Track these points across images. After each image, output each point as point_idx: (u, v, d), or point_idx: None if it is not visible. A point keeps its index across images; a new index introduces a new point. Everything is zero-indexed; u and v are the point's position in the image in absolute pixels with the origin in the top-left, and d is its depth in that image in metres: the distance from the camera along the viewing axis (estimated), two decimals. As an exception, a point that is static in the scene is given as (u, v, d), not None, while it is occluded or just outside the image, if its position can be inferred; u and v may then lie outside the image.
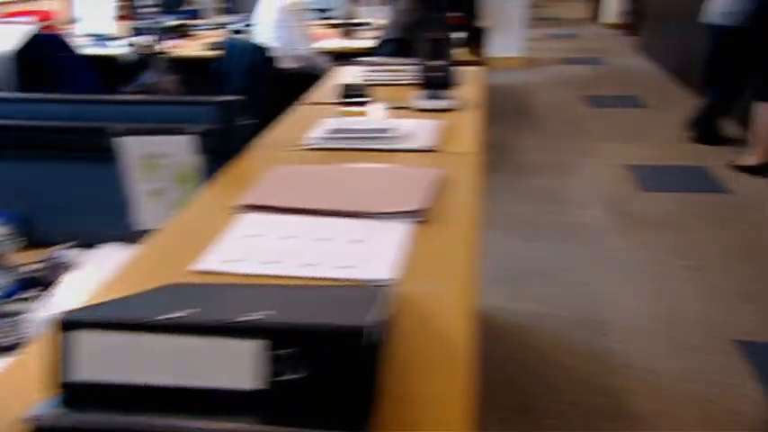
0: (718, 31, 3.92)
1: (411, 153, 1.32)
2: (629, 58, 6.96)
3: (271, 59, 3.49)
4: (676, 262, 2.74)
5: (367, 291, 0.77)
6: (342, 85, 1.73)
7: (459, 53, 3.64)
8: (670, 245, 2.89)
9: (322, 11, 6.18)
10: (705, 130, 4.13)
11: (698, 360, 2.13)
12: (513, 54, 6.56)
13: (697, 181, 3.60)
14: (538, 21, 10.16)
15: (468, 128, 1.51)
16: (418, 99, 1.65)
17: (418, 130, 1.43)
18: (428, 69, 1.60)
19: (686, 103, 4.86)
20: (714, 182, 3.56)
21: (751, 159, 3.61)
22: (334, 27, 4.57)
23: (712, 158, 3.88)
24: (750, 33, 3.79)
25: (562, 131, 4.57)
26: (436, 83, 1.60)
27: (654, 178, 3.64)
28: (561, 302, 2.49)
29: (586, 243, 2.94)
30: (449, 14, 3.54)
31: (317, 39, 4.29)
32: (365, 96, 1.69)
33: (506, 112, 5.06)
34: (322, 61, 3.55)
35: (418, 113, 1.61)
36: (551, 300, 2.52)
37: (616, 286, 2.58)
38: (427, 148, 1.33)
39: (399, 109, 1.65)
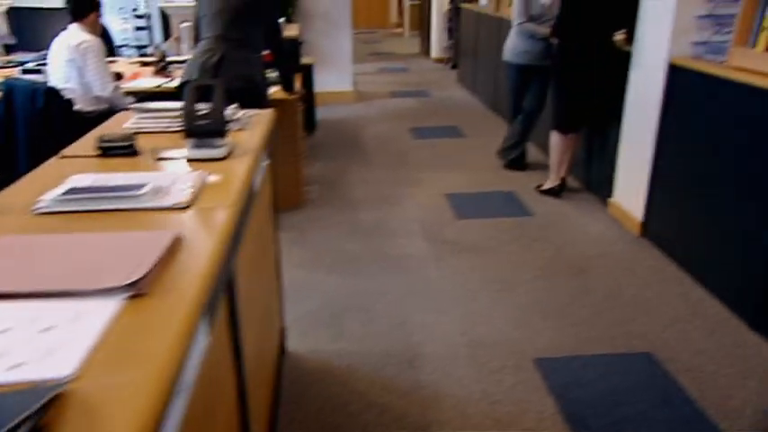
0: (513, 69, 4.29)
1: (160, 212, 1.21)
2: (451, 91, 7.42)
3: (67, 102, 3.20)
4: (488, 286, 2.88)
5: (26, 396, 0.66)
6: (101, 134, 1.58)
7: (273, 91, 3.62)
8: (482, 269, 3.04)
9: (140, 47, 5.88)
10: (513, 158, 4.46)
11: (502, 382, 2.22)
12: (344, 88, 6.69)
13: (507, 206, 3.86)
14: (372, 55, 10.57)
15: (234, 179, 1.43)
16: (188, 148, 1.55)
17: (176, 184, 1.34)
18: (194, 116, 1.51)
19: (500, 132, 5.25)
20: (522, 206, 3.84)
21: (549, 183, 3.95)
22: (150, 65, 4.34)
23: (520, 184, 4.19)
24: (543, 71, 4.20)
25: (388, 163, 4.69)
26: (206, 130, 1.52)
27: (470, 205, 3.85)
28: (381, 338, 2.49)
29: (407, 274, 3.00)
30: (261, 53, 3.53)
31: (132, 78, 4.05)
32: (130, 147, 1.56)
33: (335, 147, 5.11)
34: (126, 103, 3.32)
35: (186, 164, 1.51)
36: (371, 336, 2.51)
37: (432, 315, 2.64)
38: (179, 206, 1.23)
39: (165, 160, 1.54)
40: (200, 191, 1.33)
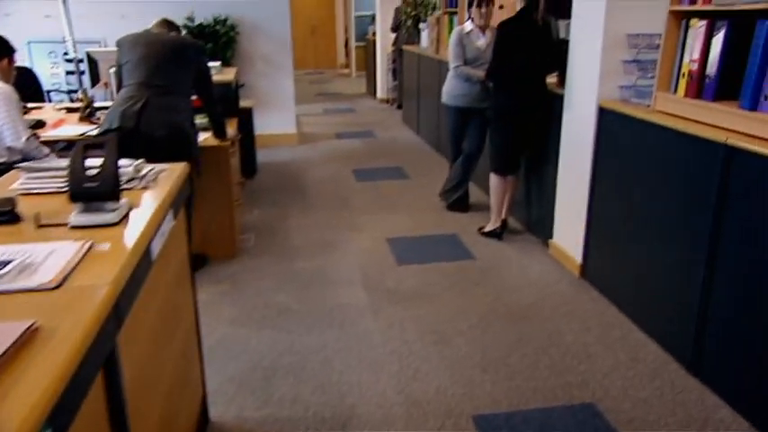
0: (452, 111, 4.31)
1: (22, 295, 1.07)
2: (396, 131, 7.43)
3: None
4: (426, 337, 2.78)
5: None
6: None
7: (203, 139, 3.49)
8: (421, 319, 2.94)
9: (70, 92, 5.67)
10: (455, 199, 4.43)
11: (438, 445, 2.10)
12: (287, 131, 6.61)
13: (449, 249, 3.79)
14: (319, 96, 10.57)
15: (124, 248, 1.30)
16: (74, 213, 1.41)
17: (51, 257, 1.19)
18: (81, 177, 1.37)
19: (443, 172, 5.24)
20: (464, 249, 3.79)
21: (491, 225, 3.92)
22: (76, 111, 4.15)
23: (462, 226, 4.15)
24: (481, 113, 4.22)
25: (330, 207, 4.59)
26: (94, 192, 1.38)
27: (411, 250, 3.77)
28: (312, 401, 2.34)
29: (343, 328, 2.87)
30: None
31: (55, 125, 3.85)
32: (8, 213, 1.40)
33: (275, 191, 4.99)
34: (43, 154, 3.12)
35: (70, 232, 1.37)
36: (302, 400, 2.35)
37: (368, 373, 2.51)
38: (46, 286, 1.09)
39: (49, 227, 1.40)
40: (79, 265, 1.19)
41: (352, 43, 13.21)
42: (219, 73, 4.48)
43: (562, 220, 3.55)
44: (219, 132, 3.47)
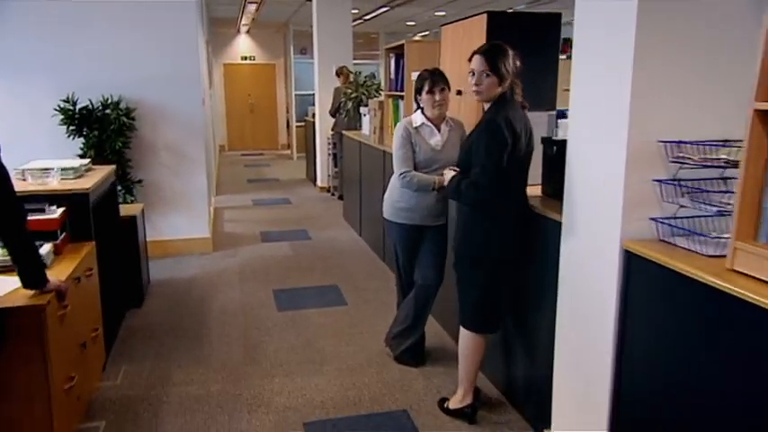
0: (397, 230, 3.19)
1: None
2: (335, 230, 6.28)
3: None
4: None
5: None
6: None
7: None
8: None
9: None
10: (406, 348, 3.23)
11: None
12: (198, 235, 5.35)
13: (398, 441, 2.56)
14: (253, 183, 9.41)
15: None
16: None
17: None
18: None
19: (392, 294, 4.07)
20: (419, 441, 2.56)
21: (458, 400, 2.71)
22: None
23: (417, 394, 2.93)
24: (438, 231, 3.12)
25: (232, 362, 3.31)
26: None
27: (341, 447, 2.51)
28: None
29: None
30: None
31: None
32: None
33: (162, 332, 3.67)
34: None
35: None
36: None
37: None
38: None
39: None
40: None
41: (293, 123, 12.26)
42: (80, 175, 3.25)
43: (566, 398, 2.39)
44: (32, 276, 2.20)
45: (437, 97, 2.95)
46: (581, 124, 2.21)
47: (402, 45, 4.46)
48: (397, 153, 3.04)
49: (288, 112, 13.45)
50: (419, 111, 3.08)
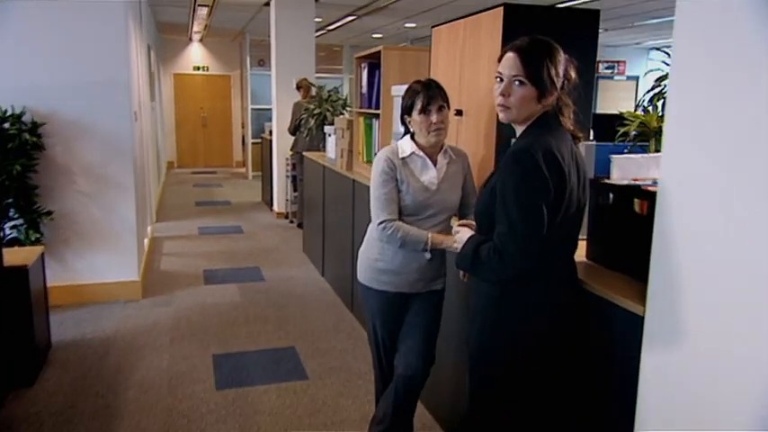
0: (373, 297, 2.34)
1: None
2: (294, 267, 5.37)
3: None
4: None
5: None
6: None
7: None
8: None
9: None
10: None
11: None
12: (124, 278, 4.38)
13: None
14: (201, 206, 8.41)
15: None
16: None
17: None
18: None
19: (364, 359, 3.22)
20: None
21: None
22: None
23: None
24: (429, 300, 2.30)
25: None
26: None
27: None
28: None
29: None
30: None
31: None
32: None
33: (58, 421, 2.70)
34: None
35: None
36: None
37: None
38: None
39: None
40: None
41: (249, 139, 11.31)
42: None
43: None
44: None
45: (434, 118, 2.14)
46: (705, 172, 1.41)
47: (378, 53, 3.66)
48: (376, 193, 2.20)
49: (243, 127, 12.49)
50: (407, 136, 2.26)
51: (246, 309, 4.30)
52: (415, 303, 2.30)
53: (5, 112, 3.82)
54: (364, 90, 4.06)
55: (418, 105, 2.13)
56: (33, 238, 3.89)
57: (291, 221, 7.31)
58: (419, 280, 2.26)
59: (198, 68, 12.78)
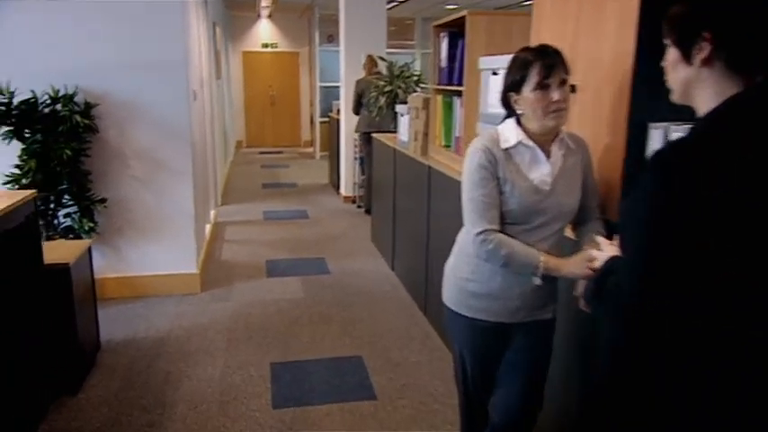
0: (464, 325, 1.85)
1: None
2: (361, 259, 4.96)
3: None
4: None
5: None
6: None
7: None
8: None
9: None
10: None
11: None
12: (182, 270, 4.09)
13: None
14: (267, 189, 8.14)
15: None
16: None
17: None
18: None
19: (439, 380, 2.76)
20: None
21: None
22: None
23: None
24: (536, 331, 1.79)
25: None
26: None
27: None
28: None
29: None
30: None
31: None
32: None
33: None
34: None
35: None
36: None
37: None
38: None
39: None
40: None
41: (317, 118, 10.97)
42: None
43: None
44: None
45: (554, 95, 1.61)
46: None
47: (461, 19, 3.12)
48: (470, 195, 1.70)
49: (311, 105, 12.18)
50: (511, 121, 1.74)
51: (309, 307, 3.92)
52: (516, 336, 1.80)
53: (58, 92, 3.56)
54: (443, 64, 3.53)
55: (533, 79, 1.60)
56: (87, 227, 3.64)
57: (359, 206, 6.90)
58: (521, 308, 1.75)
59: (266, 45, 12.52)
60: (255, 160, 10.94)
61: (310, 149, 12.14)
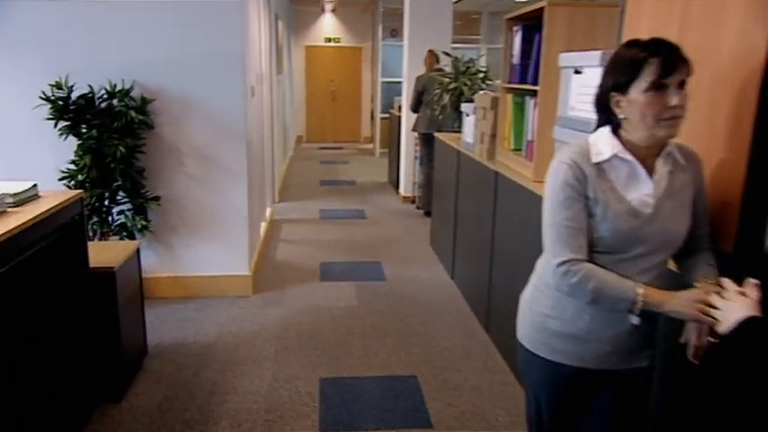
0: (540, 367, 1.58)
1: None
2: (419, 265, 4.72)
3: None
4: None
5: None
6: None
7: None
8: None
9: None
10: None
11: None
12: (235, 272, 3.97)
13: None
14: (325, 186, 8.01)
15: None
16: None
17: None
18: None
19: (504, 407, 2.49)
20: None
21: None
22: None
23: None
24: (625, 381, 1.50)
25: None
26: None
27: None
28: None
29: None
30: None
31: None
32: None
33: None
34: None
35: None
36: None
37: None
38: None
39: None
40: None
41: (378, 114, 10.78)
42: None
43: None
44: None
45: (673, 100, 1.31)
46: None
47: (538, 11, 2.81)
48: (553, 218, 1.43)
49: (372, 101, 12.00)
50: (605, 130, 1.45)
51: (363, 317, 3.72)
52: (605, 384, 1.52)
53: (115, 86, 3.49)
54: (516, 60, 3.23)
55: (648, 78, 1.31)
56: (140, 225, 3.56)
57: (418, 207, 6.66)
58: (613, 353, 1.47)
59: (329, 40, 12.43)
60: (315, 156, 10.87)
61: (370, 146, 11.97)
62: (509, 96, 3.35)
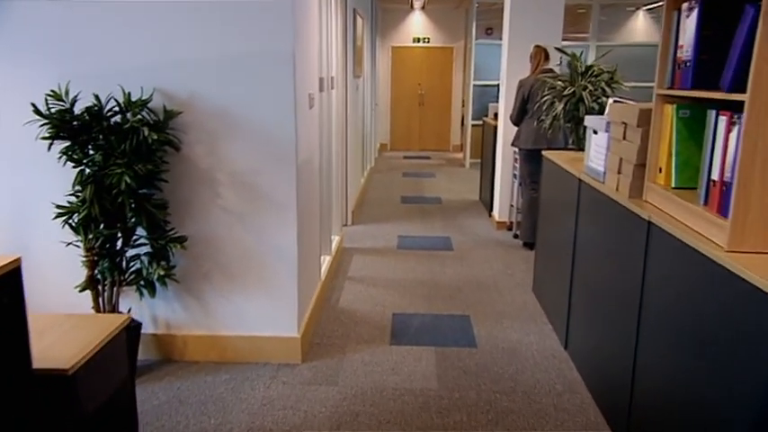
0: None
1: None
2: (520, 322, 3.63)
3: None
4: None
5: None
6: None
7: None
8: None
9: None
10: None
11: None
12: (281, 332, 3.09)
13: None
14: (408, 205, 7.05)
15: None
16: None
17: None
18: None
19: None
20: None
21: None
22: None
23: None
24: None
25: None
26: None
27: None
28: None
29: None
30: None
31: None
32: None
33: None
34: None
35: None
36: None
37: None
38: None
39: None
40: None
41: (469, 121, 9.72)
42: None
43: None
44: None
45: None
46: None
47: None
48: None
49: (463, 106, 10.94)
50: None
51: (443, 411, 2.71)
52: None
53: (129, 95, 2.70)
54: (687, 54, 2.12)
55: None
56: (158, 274, 2.75)
57: (516, 236, 5.56)
58: None
59: (417, 40, 11.50)
60: (398, 166, 9.95)
61: (459, 155, 10.92)
62: (669, 108, 2.24)
